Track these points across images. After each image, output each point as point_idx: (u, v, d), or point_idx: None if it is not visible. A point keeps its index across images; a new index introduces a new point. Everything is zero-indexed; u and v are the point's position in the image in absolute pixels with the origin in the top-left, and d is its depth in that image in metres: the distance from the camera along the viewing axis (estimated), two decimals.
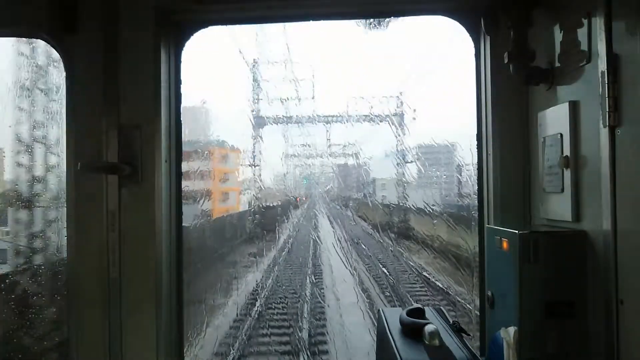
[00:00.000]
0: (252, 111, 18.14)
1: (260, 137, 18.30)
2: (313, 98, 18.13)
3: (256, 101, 18.23)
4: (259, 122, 18.34)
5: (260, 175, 18.24)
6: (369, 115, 17.04)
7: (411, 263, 14.27)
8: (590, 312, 1.87)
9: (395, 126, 17.15)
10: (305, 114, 18.22)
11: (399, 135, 17.14)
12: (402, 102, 17.49)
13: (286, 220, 18.79)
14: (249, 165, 18.14)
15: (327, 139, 19.07)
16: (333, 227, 19.60)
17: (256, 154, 18.26)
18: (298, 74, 18.10)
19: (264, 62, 17.87)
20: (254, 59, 17.63)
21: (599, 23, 1.78)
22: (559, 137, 2.04)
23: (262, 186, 18.23)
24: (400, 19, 2.93)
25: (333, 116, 18.28)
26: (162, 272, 2.47)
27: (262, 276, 13.80)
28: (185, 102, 2.65)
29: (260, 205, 17.51)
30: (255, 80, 17.98)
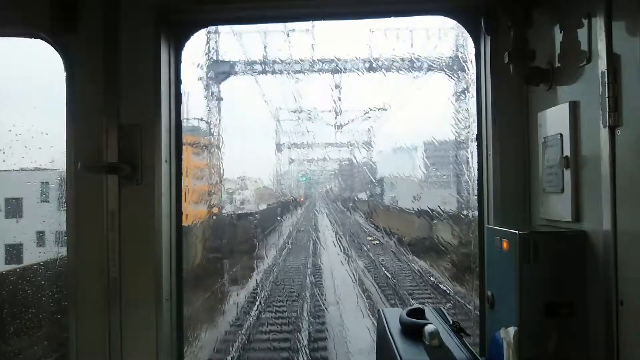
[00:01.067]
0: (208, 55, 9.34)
1: (219, 98, 9.09)
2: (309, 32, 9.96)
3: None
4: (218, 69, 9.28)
5: (222, 165, 9.50)
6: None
7: None
8: (590, 312, 1.87)
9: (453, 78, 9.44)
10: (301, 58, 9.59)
11: (462, 94, 9.31)
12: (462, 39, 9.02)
13: (262, 243, 10.14)
14: (204, 147, 9.53)
15: (336, 101, 10.40)
16: (338, 236, 11.57)
17: (216, 126, 9.43)
18: None
19: None
20: None
21: (599, 23, 1.78)
22: (559, 137, 2.04)
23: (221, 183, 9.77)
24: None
25: (343, 61, 9.53)
26: (162, 272, 2.47)
27: None
28: None
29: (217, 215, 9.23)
30: None
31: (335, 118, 10.74)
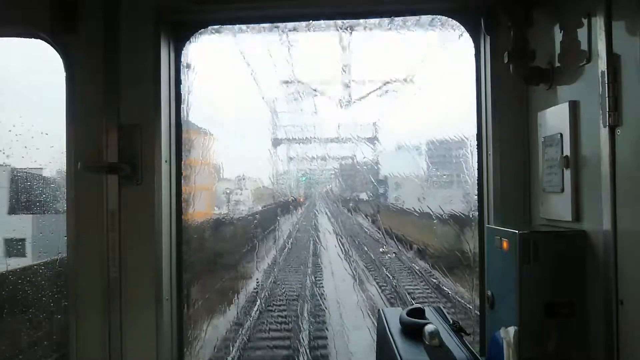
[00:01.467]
0: None
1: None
2: None
3: None
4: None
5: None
6: None
7: None
8: (590, 312, 1.87)
9: None
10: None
11: None
12: None
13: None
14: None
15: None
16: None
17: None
18: None
19: None
20: None
21: (599, 23, 1.78)
22: (559, 137, 2.04)
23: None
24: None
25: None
26: (162, 272, 2.47)
27: None
28: None
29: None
30: None
31: (348, 87, 7.90)
